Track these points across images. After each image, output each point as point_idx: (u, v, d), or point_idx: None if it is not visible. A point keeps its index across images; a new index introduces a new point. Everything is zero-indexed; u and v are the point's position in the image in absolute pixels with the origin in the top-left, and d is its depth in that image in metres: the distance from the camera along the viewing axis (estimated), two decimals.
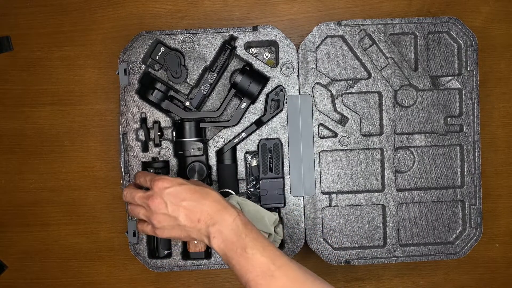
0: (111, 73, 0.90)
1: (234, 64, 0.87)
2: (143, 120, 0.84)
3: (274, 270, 0.62)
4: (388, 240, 0.87)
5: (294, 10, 0.92)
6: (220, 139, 0.85)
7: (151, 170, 0.80)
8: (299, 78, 0.85)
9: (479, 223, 0.87)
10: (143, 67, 0.84)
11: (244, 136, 0.85)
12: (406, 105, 0.87)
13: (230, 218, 0.65)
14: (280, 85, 0.85)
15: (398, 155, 0.88)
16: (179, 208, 0.66)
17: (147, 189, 0.70)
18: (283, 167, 0.85)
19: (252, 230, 0.65)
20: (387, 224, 0.87)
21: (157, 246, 0.83)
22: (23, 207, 0.92)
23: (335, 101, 0.87)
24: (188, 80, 0.84)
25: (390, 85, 0.86)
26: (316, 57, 0.86)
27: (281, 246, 0.86)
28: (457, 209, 0.88)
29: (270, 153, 0.85)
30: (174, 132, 0.84)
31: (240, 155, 0.86)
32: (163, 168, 0.81)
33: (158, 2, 0.90)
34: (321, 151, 0.86)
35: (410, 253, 0.87)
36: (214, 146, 0.85)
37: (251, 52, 0.87)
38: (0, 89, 0.90)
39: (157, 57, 0.83)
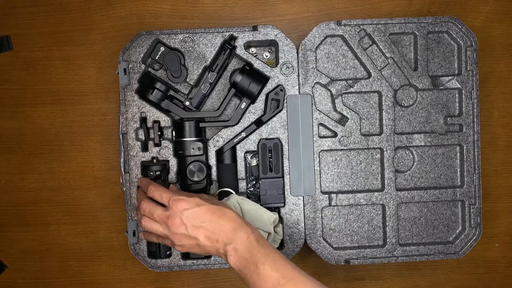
0: (111, 72, 0.90)
1: (234, 64, 0.87)
2: (143, 120, 0.84)
3: (283, 284, 0.63)
4: (388, 240, 0.87)
5: (294, 10, 0.91)
6: (220, 138, 0.85)
7: (151, 173, 0.80)
8: (299, 78, 0.85)
9: (478, 222, 0.87)
10: (143, 66, 0.84)
11: (244, 135, 0.85)
12: (406, 104, 0.87)
13: (244, 235, 0.67)
14: (280, 84, 0.85)
15: (398, 154, 0.88)
16: (199, 230, 0.68)
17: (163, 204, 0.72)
18: (283, 166, 0.85)
19: (264, 246, 0.67)
20: (387, 224, 0.87)
21: (159, 248, 0.83)
22: (23, 206, 0.92)
23: (335, 100, 0.87)
24: (188, 79, 0.84)
25: (390, 84, 0.86)
26: (316, 56, 0.86)
27: (281, 246, 0.86)
28: (456, 209, 0.88)
29: (270, 152, 0.85)
30: (173, 132, 0.84)
31: (240, 154, 0.86)
32: (162, 171, 0.81)
33: (158, 2, 0.90)
34: (321, 151, 0.86)
35: (409, 252, 0.87)
36: (214, 146, 0.85)
37: (251, 51, 0.87)
38: None
39: (157, 56, 0.83)
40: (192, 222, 0.68)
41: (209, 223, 0.68)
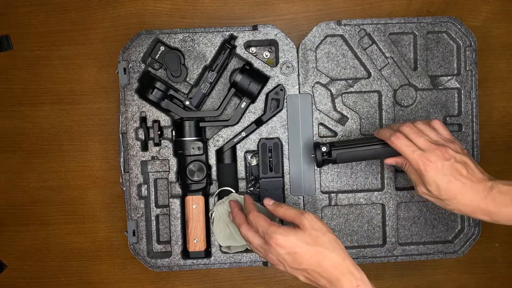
0: (110, 72, 0.90)
1: (234, 63, 0.87)
2: (143, 119, 0.84)
3: None
4: (387, 239, 0.87)
5: (294, 9, 0.92)
6: (220, 138, 0.85)
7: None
8: (299, 78, 0.85)
9: (478, 222, 0.87)
10: (143, 66, 0.84)
11: (244, 135, 0.85)
12: (405, 104, 0.87)
13: (348, 286, 0.65)
14: (280, 84, 0.85)
15: None
16: (297, 271, 0.66)
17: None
18: (283, 166, 0.85)
19: None
20: (387, 223, 0.87)
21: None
22: (23, 206, 0.92)
23: (335, 100, 0.87)
24: (188, 79, 0.84)
25: (390, 84, 0.86)
26: (316, 56, 0.86)
27: None
28: None
29: (270, 152, 0.85)
30: (173, 131, 0.84)
31: (240, 154, 0.86)
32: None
33: (157, 1, 0.90)
34: None
35: (409, 252, 0.87)
36: (214, 146, 0.85)
37: (251, 51, 0.87)
38: None
39: (157, 56, 0.83)
40: (290, 263, 0.66)
41: (309, 267, 0.65)
